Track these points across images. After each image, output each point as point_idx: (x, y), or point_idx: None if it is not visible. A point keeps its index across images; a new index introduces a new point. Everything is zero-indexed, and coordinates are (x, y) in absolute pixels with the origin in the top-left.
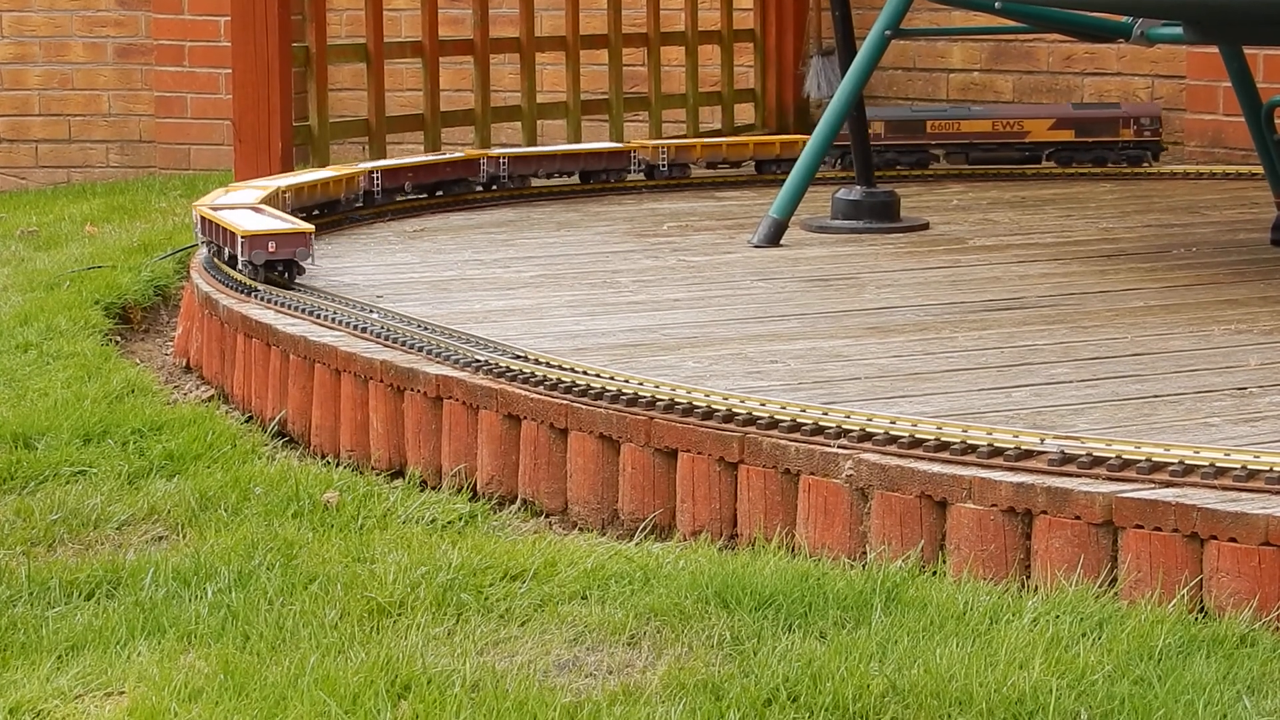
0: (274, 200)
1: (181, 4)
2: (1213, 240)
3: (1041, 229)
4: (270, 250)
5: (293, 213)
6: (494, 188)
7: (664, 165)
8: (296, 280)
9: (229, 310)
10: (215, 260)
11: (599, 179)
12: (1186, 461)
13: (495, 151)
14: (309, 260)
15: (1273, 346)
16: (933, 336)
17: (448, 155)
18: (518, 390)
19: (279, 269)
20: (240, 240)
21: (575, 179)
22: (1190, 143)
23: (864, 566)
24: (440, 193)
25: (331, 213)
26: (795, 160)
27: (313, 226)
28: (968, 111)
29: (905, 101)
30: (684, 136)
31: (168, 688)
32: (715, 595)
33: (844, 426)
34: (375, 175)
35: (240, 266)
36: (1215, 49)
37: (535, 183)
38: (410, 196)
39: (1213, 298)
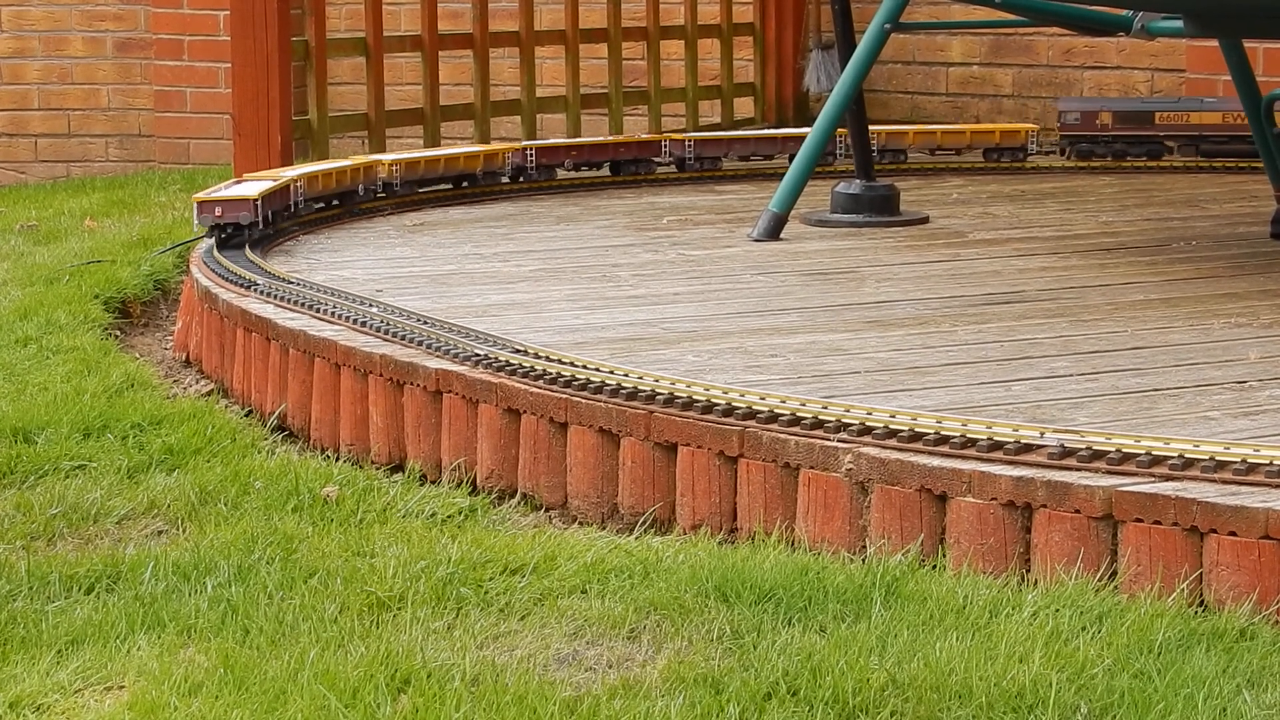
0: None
1: None
2: (1212, 234)
3: (1041, 223)
4: (216, 214)
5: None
6: (520, 180)
7: (691, 158)
8: (298, 275)
9: (229, 304)
10: (215, 253)
11: (630, 170)
12: (1186, 455)
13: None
14: (253, 223)
15: (1273, 340)
16: (932, 330)
17: (481, 148)
18: (517, 384)
19: (225, 230)
20: (195, 205)
21: (605, 171)
22: None
23: (864, 560)
24: (465, 184)
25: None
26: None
27: (256, 193)
28: (1199, 104)
29: (905, 96)
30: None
31: (167, 682)
32: (715, 589)
33: (844, 420)
34: (395, 167)
35: (194, 227)
36: (1215, 42)
37: (561, 174)
38: (419, 192)
39: (1212, 291)
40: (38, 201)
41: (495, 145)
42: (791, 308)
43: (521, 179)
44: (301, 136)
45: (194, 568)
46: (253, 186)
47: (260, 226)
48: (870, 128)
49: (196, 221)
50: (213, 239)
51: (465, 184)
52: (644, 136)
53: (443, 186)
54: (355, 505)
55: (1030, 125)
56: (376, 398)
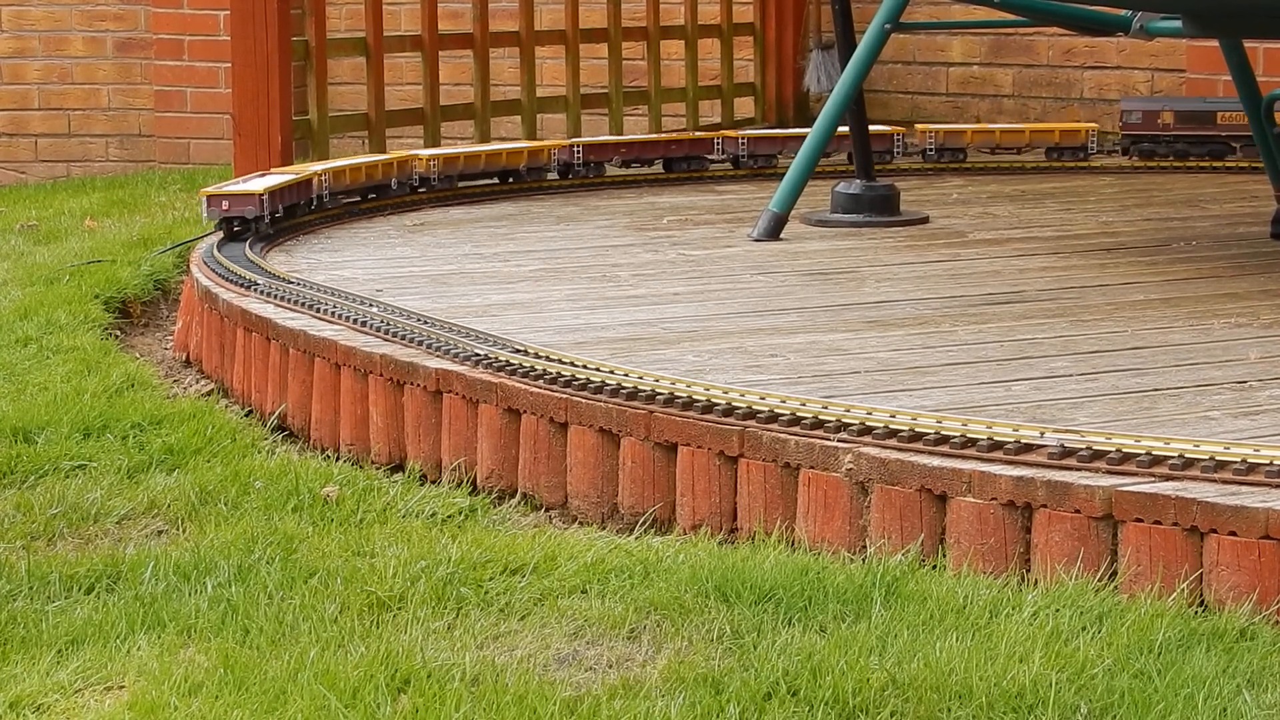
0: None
1: None
2: (1212, 234)
3: (1041, 223)
4: (224, 209)
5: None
6: (570, 175)
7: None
8: (298, 275)
9: (229, 304)
10: (215, 253)
11: (681, 168)
12: (1186, 455)
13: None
14: (259, 217)
15: (1273, 340)
16: (932, 330)
17: (527, 144)
18: (517, 384)
19: (234, 224)
20: (203, 199)
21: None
22: None
23: (864, 560)
24: (511, 180)
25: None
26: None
27: (262, 189)
28: None
29: (905, 96)
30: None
31: (167, 682)
32: (715, 589)
33: (844, 420)
34: (433, 162)
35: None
36: (1215, 42)
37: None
38: (460, 187)
39: (1213, 291)
40: (38, 201)
41: (542, 142)
42: (791, 308)
43: (570, 175)
44: (302, 136)
45: (194, 568)
46: (266, 181)
47: (267, 221)
48: (931, 127)
49: (205, 215)
50: (214, 238)
51: (511, 179)
52: (697, 134)
53: (485, 182)
54: (355, 505)
55: (1090, 125)
56: (376, 397)
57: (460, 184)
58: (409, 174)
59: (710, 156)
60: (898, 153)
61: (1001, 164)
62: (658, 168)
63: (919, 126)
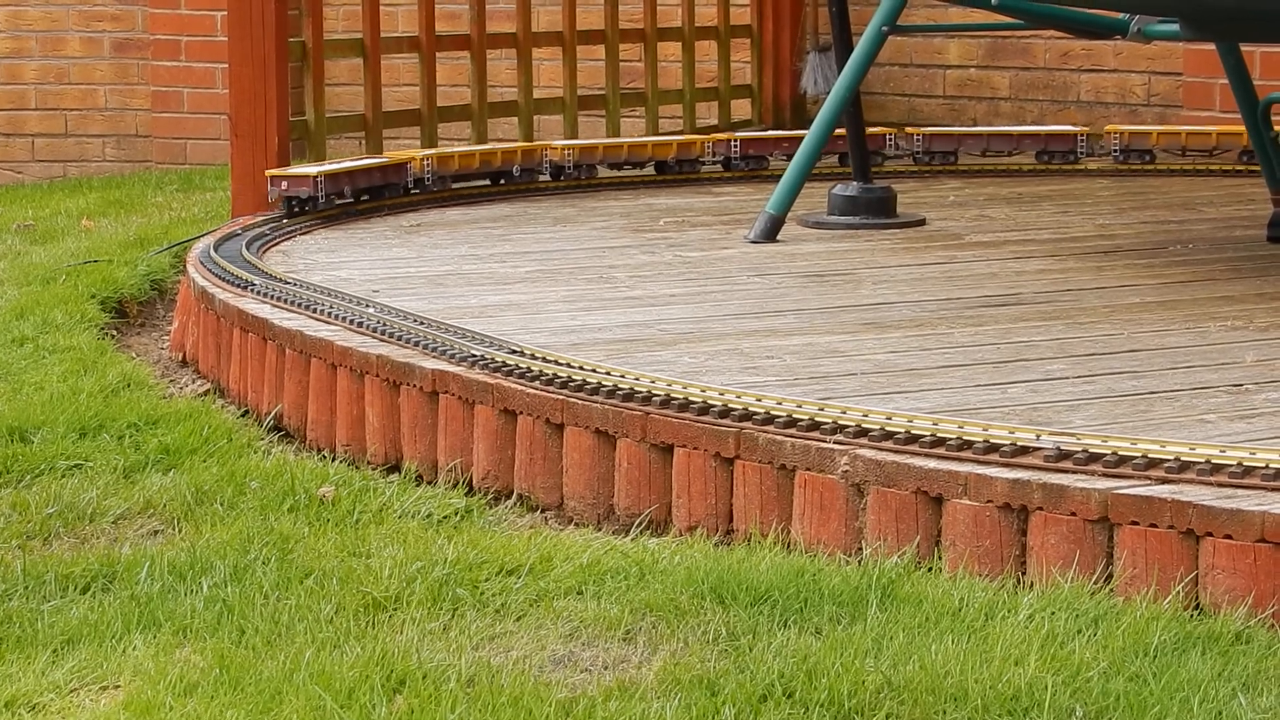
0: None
1: None
2: (1209, 237)
3: (1038, 225)
4: (283, 188)
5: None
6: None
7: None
8: (295, 275)
9: (225, 304)
10: (211, 253)
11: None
12: (1182, 458)
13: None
14: (312, 197)
15: (1269, 343)
16: (929, 332)
17: (670, 135)
18: (514, 385)
19: (292, 203)
20: (268, 179)
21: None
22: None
23: (859, 562)
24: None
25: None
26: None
27: (318, 170)
28: None
29: (902, 99)
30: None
31: (163, 681)
32: (711, 591)
33: (840, 422)
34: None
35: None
36: (1212, 46)
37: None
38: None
39: (1209, 294)
40: (34, 201)
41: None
42: (788, 309)
43: (562, 177)
44: (299, 137)
45: (190, 568)
46: (323, 167)
47: (321, 201)
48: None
49: (271, 194)
50: (210, 238)
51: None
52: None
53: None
54: (351, 505)
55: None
56: (373, 398)
57: (459, 185)
58: (538, 162)
59: (702, 159)
60: (889, 155)
61: (999, 166)
62: (652, 170)
63: (909, 129)
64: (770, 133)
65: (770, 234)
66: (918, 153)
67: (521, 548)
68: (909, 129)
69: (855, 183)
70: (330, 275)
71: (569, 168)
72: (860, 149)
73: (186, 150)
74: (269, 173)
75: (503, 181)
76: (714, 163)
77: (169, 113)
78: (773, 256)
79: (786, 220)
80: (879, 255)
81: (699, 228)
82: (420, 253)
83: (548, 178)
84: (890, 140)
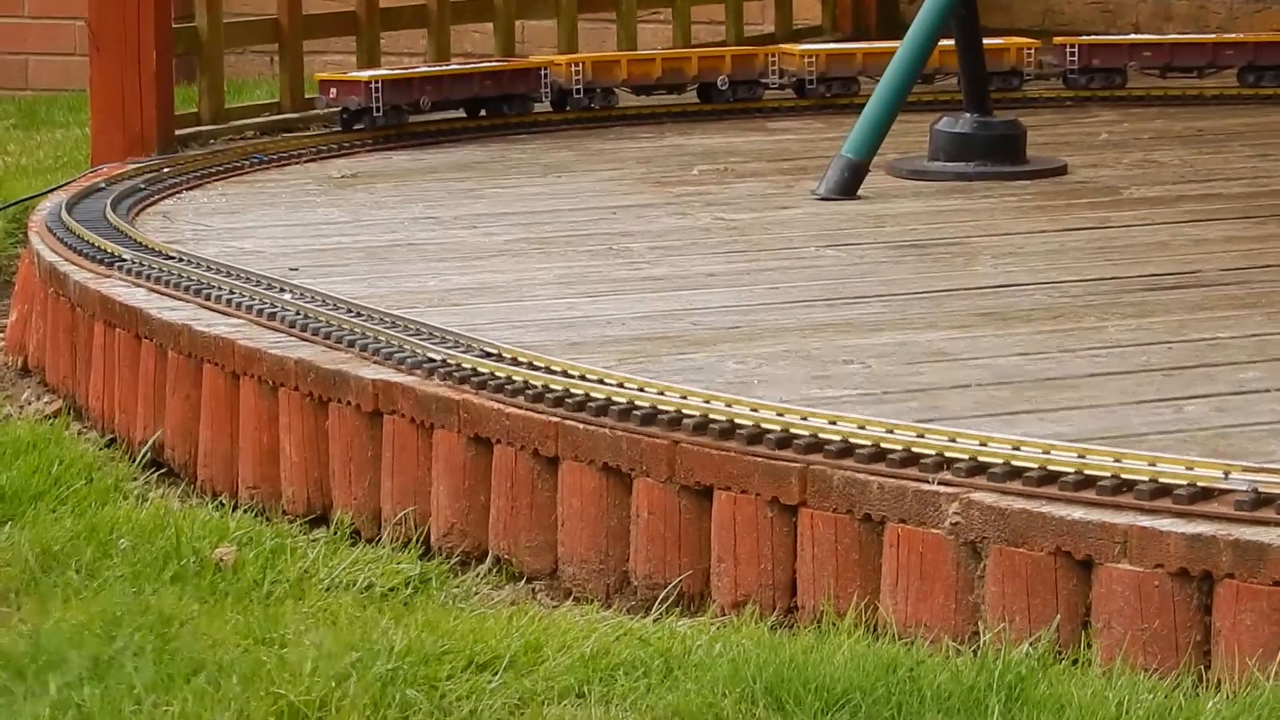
0: None
1: None
2: None
3: (1226, 174)
4: (330, 96)
5: None
6: None
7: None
8: (180, 247)
9: (83, 288)
10: (64, 216)
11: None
12: None
13: None
14: (363, 109)
15: None
16: (1072, 326)
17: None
18: (488, 402)
19: (344, 115)
20: (318, 83)
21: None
22: None
23: (975, 652)
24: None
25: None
26: None
27: (370, 75)
28: None
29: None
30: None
31: None
32: (766, 692)
33: (947, 454)
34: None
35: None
36: None
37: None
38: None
39: None
40: None
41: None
42: (873, 294)
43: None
44: (186, 51)
45: (32, 661)
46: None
47: (378, 114)
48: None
49: (321, 101)
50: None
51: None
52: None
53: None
54: (260, 573)
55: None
56: (290, 421)
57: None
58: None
59: (763, 81)
60: (1028, 76)
61: (1169, 91)
62: (690, 95)
63: (1056, 40)
64: (858, 44)
65: (849, 187)
66: (1070, 72)
67: (499, 632)
68: (1056, 39)
69: (968, 115)
70: (230, 246)
71: (577, 91)
72: (973, 67)
73: (28, 71)
74: (318, 77)
75: (484, 113)
76: (781, 86)
77: (4, 18)
78: (852, 219)
79: (871, 168)
80: (1001, 217)
81: (748, 179)
82: (356, 214)
83: (547, 107)
84: (1029, 56)
